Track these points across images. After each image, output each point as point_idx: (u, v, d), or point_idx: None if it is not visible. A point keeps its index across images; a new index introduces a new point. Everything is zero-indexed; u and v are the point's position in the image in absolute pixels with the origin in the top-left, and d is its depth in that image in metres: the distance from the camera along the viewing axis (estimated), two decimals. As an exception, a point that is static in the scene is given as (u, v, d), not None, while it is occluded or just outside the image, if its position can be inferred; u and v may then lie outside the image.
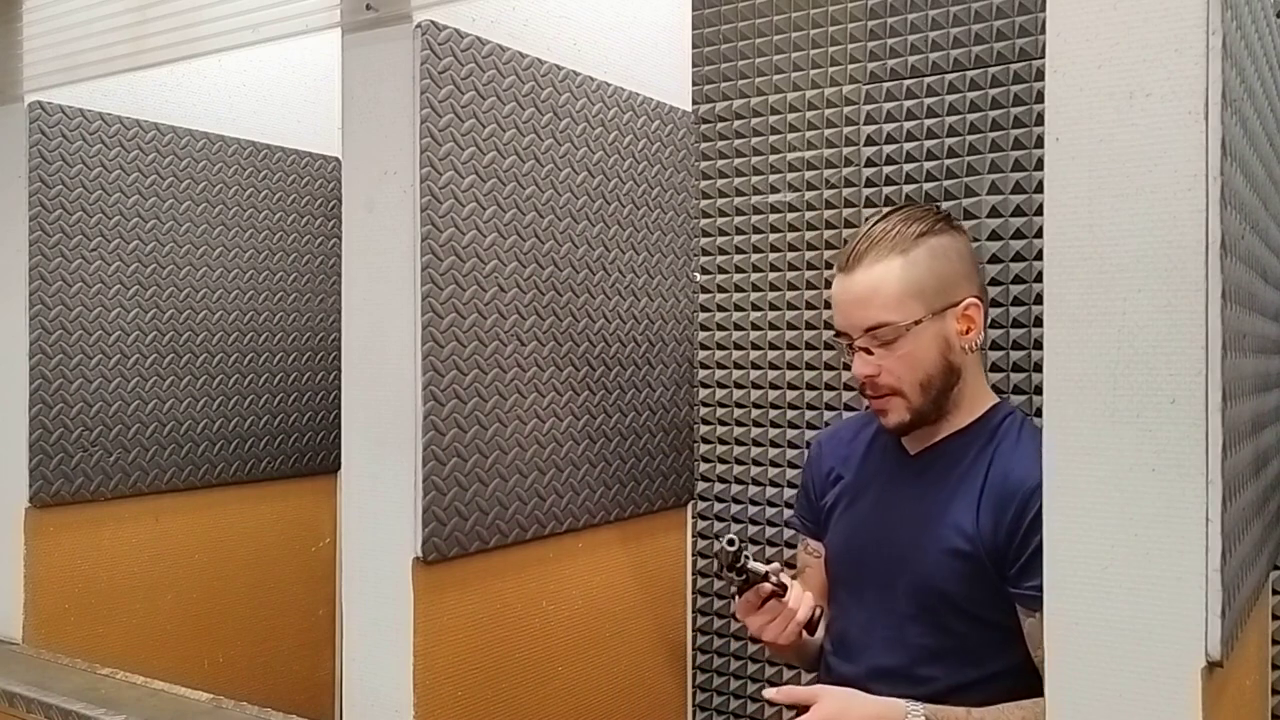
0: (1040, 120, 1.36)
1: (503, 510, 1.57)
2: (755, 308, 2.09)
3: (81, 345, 2.05)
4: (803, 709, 1.41)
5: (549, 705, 1.68)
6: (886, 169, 1.93)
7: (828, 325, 2.00)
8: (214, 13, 1.72)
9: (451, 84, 1.47)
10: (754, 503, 2.10)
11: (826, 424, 1.99)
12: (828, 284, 2.00)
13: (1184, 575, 0.88)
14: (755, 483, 2.10)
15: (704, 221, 2.13)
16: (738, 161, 2.10)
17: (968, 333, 1.44)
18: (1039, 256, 1.71)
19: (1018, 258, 1.80)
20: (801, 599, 1.49)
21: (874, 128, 1.94)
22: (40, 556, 2.00)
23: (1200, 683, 0.88)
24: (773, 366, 2.07)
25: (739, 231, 2.10)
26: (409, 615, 1.46)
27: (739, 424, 2.11)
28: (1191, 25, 0.88)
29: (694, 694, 2.12)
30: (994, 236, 1.81)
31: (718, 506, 2.14)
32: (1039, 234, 1.59)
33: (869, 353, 1.44)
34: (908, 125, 1.91)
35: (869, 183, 1.95)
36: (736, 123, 2.11)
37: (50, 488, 2.01)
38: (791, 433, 2.05)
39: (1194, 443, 0.88)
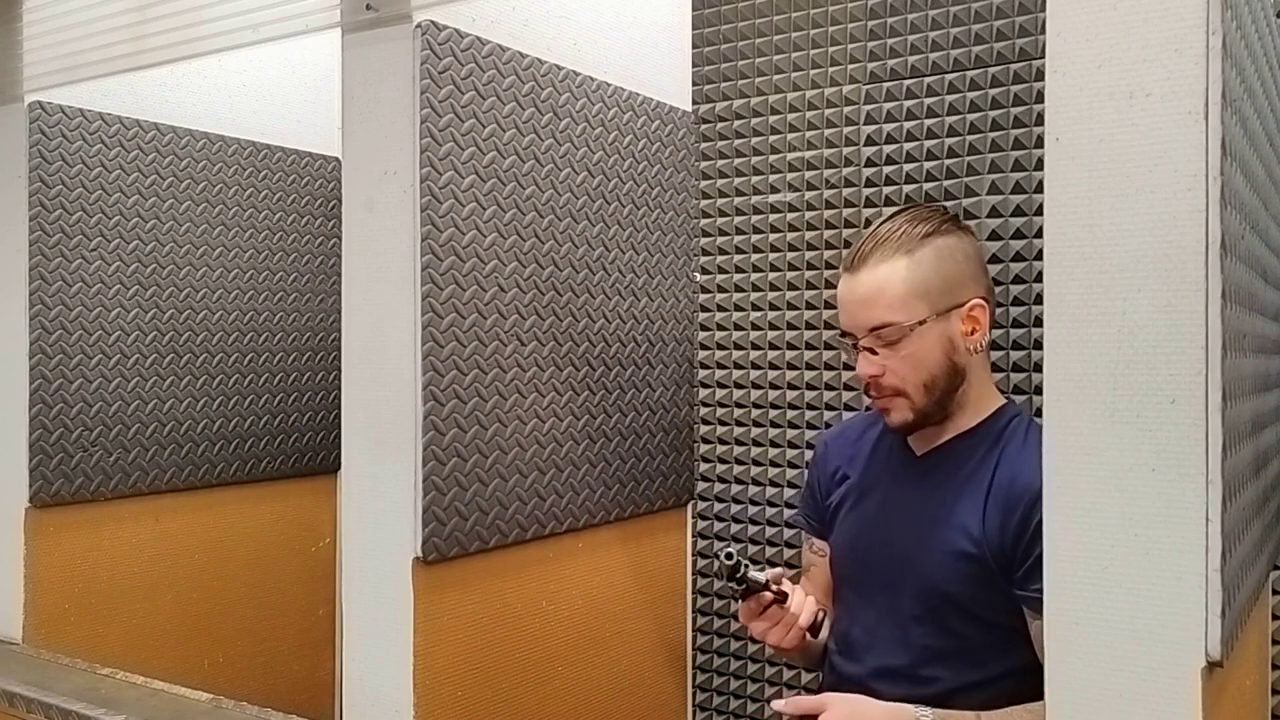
0: (1040, 120, 1.36)
1: (503, 510, 1.57)
2: (755, 308, 2.09)
3: (81, 345, 2.05)
4: (811, 718, 1.41)
5: (549, 705, 1.68)
6: (886, 169, 1.93)
7: (829, 325, 2.00)
8: (214, 13, 1.72)
9: (451, 84, 1.47)
10: (754, 503, 2.10)
11: (827, 424, 1.99)
12: (828, 284, 2.00)
13: (1184, 575, 0.88)
14: (755, 483, 2.10)
15: (704, 221, 2.13)
16: (738, 161, 2.10)
17: (973, 334, 1.44)
18: (1039, 256, 1.71)
19: (1018, 258, 1.80)
20: (803, 604, 1.49)
21: (874, 128, 1.94)
22: (40, 556, 2.00)
23: (1200, 683, 0.88)
24: (773, 366, 2.07)
25: (739, 231, 2.10)
26: (409, 615, 1.46)
27: (739, 424, 2.11)
28: (1191, 25, 0.88)
29: (694, 694, 2.12)
30: (994, 236, 1.81)
31: (718, 506, 2.14)
32: (1039, 234, 1.59)
33: (873, 353, 1.43)
34: (908, 125, 1.91)
35: (869, 183, 1.95)
36: (736, 123, 2.11)
37: (50, 488, 2.01)
38: (791, 433, 2.05)
39: (1194, 443, 0.88)
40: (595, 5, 1.75)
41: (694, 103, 2.06)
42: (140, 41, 1.83)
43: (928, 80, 1.89)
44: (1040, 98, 1.73)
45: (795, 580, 1.64)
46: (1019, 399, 1.80)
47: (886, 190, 1.93)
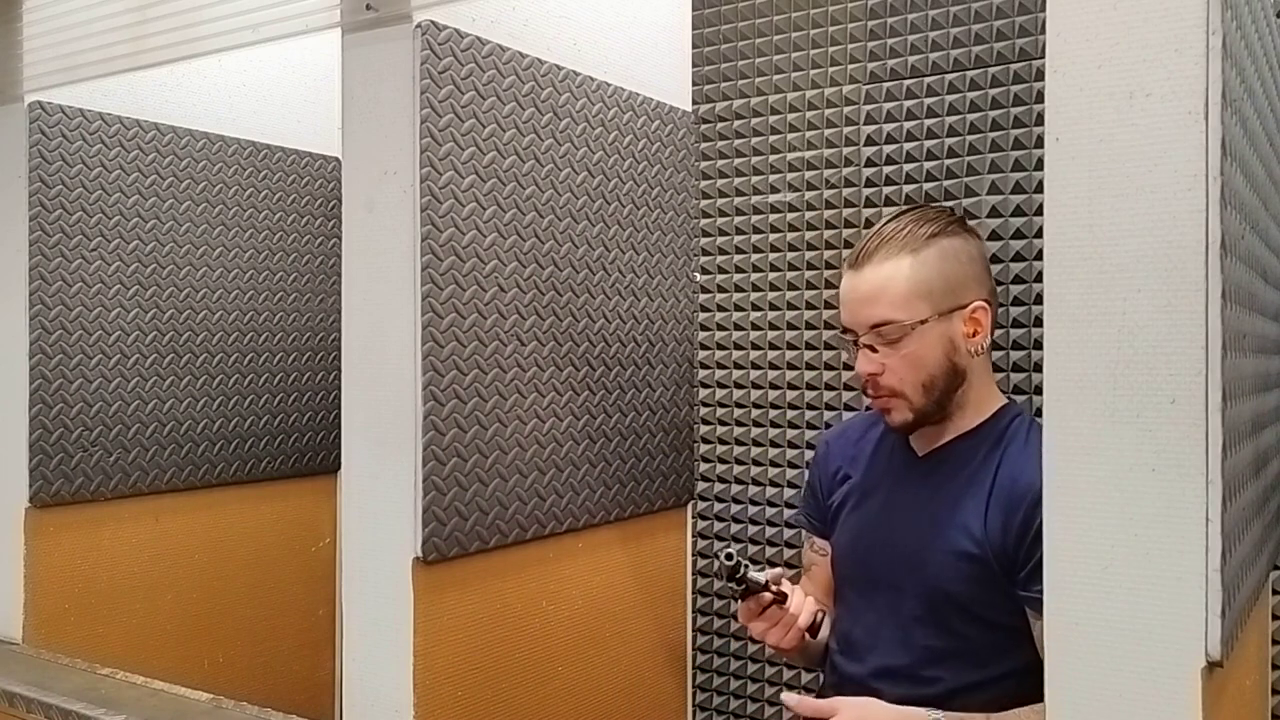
0: (1040, 120, 1.36)
1: (503, 510, 1.57)
2: (755, 308, 2.09)
3: (81, 345, 2.05)
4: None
5: (549, 705, 1.68)
6: (886, 169, 1.93)
7: (829, 325, 2.00)
8: (214, 13, 1.72)
9: (451, 84, 1.47)
10: (754, 503, 2.10)
11: (827, 424, 1.99)
12: (828, 284, 2.00)
13: (1184, 575, 0.88)
14: (755, 483, 2.10)
15: (704, 221, 2.13)
16: (738, 161, 2.10)
17: (974, 336, 1.44)
18: (1039, 256, 1.71)
19: (1018, 258, 1.80)
20: (803, 605, 1.49)
21: (874, 128, 1.94)
22: (40, 556, 2.00)
23: (1200, 683, 0.88)
24: (773, 366, 2.07)
25: (739, 231, 2.10)
26: (409, 615, 1.46)
27: (739, 424, 2.11)
28: (1191, 25, 0.88)
29: (694, 694, 2.12)
30: (994, 236, 1.81)
31: (718, 506, 2.14)
32: (1039, 234, 1.59)
33: (873, 350, 1.43)
34: (908, 125, 1.90)
35: (869, 183, 1.95)
36: (736, 123, 2.11)
37: (50, 488, 2.01)
38: (791, 433, 2.05)
39: (1194, 443, 0.88)
40: (595, 5, 1.75)
41: (694, 103, 2.06)
42: (140, 41, 1.83)
43: (928, 80, 1.89)
44: (1040, 98, 1.73)
45: (796, 580, 1.64)
46: (1019, 399, 1.80)
47: (886, 190, 1.93)
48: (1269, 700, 1.58)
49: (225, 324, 2.30)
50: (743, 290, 2.10)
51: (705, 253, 2.12)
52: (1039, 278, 1.76)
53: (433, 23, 1.45)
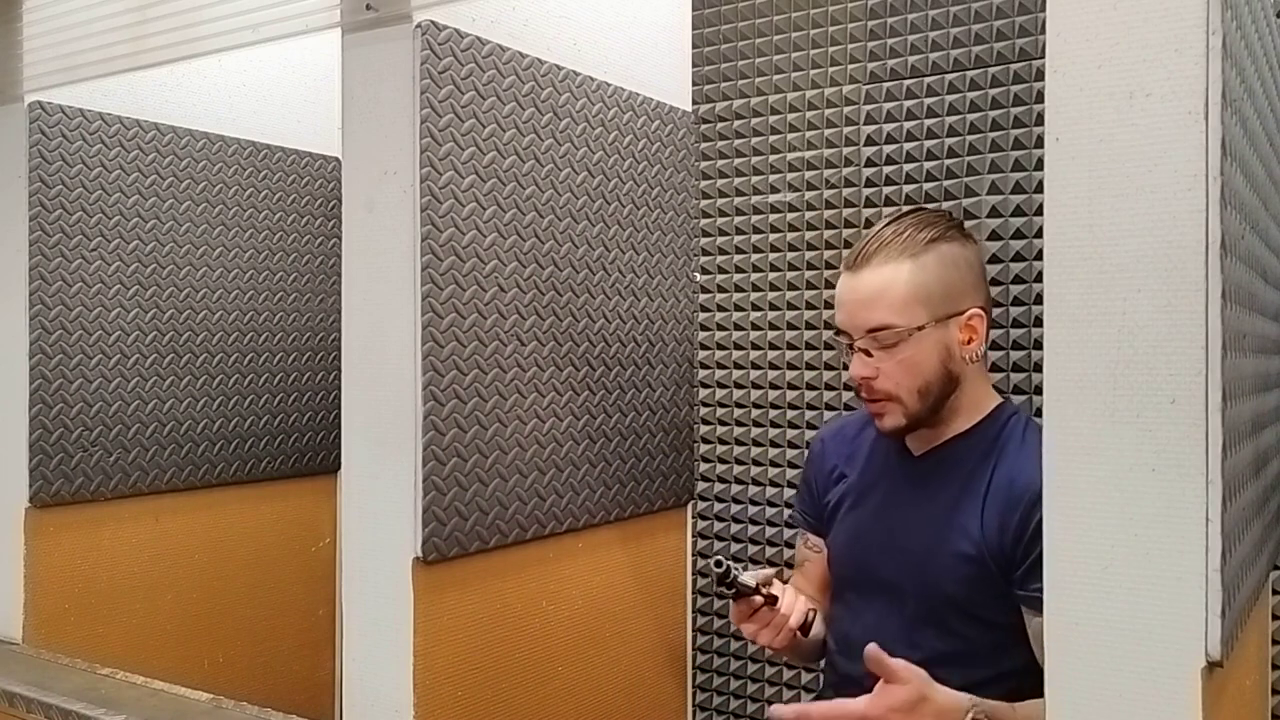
0: (1040, 120, 1.36)
1: (503, 510, 1.57)
2: (755, 308, 2.09)
3: (81, 345, 2.05)
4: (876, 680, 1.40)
5: (549, 705, 1.68)
6: (886, 169, 1.93)
7: (828, 325, 2.00)
8: (214, 13, 1.72)
9: (451, 84, 1.47)
10: (754, 503, 2.10)
11: (827, 424, 1.99)
12: (828, 284, 2.00)
13: (1184, 575, 0.88)
14: (755, 483, 2.10)
15: (704, 221, 2.13)
16: (738, 161, 2.11)
17: (969, 343, 1.44)
18: (1039, 256, 1.71)
19: (1018, 258, 1.80)
20: (794, 605, 1.48)
21: (874, 128, 1.94)
22: (40, 556, 2.00)
23: (1200, 683, 0.88)
24: (773, 366, 2.07)
25: (739, 231, 2.10)
26: (409, 615, 1.46)
27: (739, 424, 2.11)
28: (1191, 25, 0.88)
29: (694, 694, 2.13)
30: (994, 236, 1.81)
31: (718, 506, 2.14)
32: (1039, 234, 1.59)
33: (868, 354, 1.43)
34: (908, 125, 1.91)
35: (869, 183, 1.95)
36: (736, 123, 2.11)
37: (50, 488, 2.01)
38: (791, 433, 2.05)
39: (1194, 443, 0.88)
40: (595, 5, 1.75)
41: (694, 103, 2.06)
42: (140, 41, 1.83)
43: (928, 80, 1.89)
44: (1040, 98, 1.73)
45: (787, 578, 1.64)
46: (1019, 399, 1.80)
47: (886, 190, 1.93)
48: (1269, 700, 1.59)
49: (225, 324, 2.30)
50: (743, 290, 2.10)
51: (705, 253, 2.13)
52: (1039, 278, 1.76)
53: (433, 23, 1.45)
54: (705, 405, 2.15)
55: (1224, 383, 0.88)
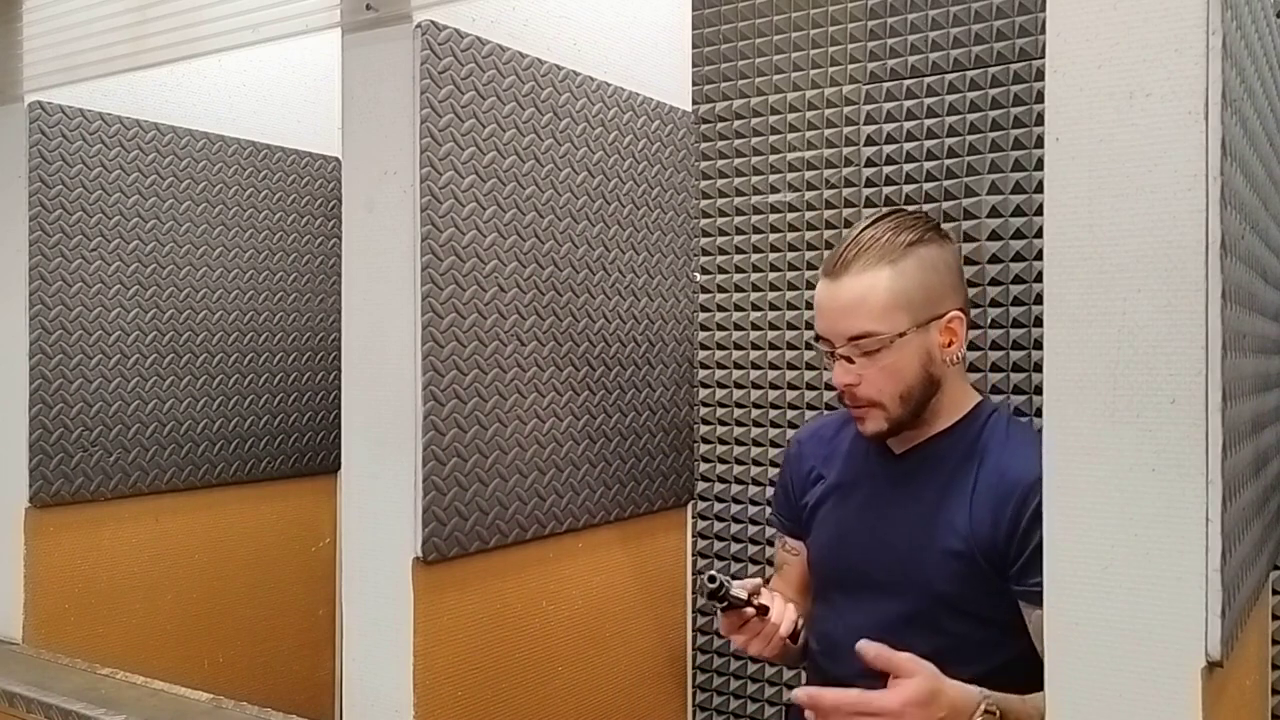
0: (1040, 120, 1.36)
1: (503, 510, 1.57)
2: (755, 308, 2.09)
3: (81, 345, 2.05)
4: (886, 678, 1.39)
5: (549, 705, 1.68)
6: (886, 169, 1.93)
7: (827, 325, 2.00)
8: (214, 13, 1.72)
9: (451, 84, 1.47)
10: (754, 503, 2.10)
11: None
12: (828, 284, 2.00)
13: (1184, 575, 0.88)
14: (755, 483, 2.10)
15: (704, 221, 2.13)
16: (738, 161, 2.10)
17: (950, 345, 1.44)
18: (1039, 256, 1.71)
19: (1018, 258, 1.80)
20: (783, 614, 1.48)
21: (874, 128, 1.94)
22: (40, 556, 2.00)
23: (1200, 683, 0.88)
24: (773, 366, 2.07)
25: (739, 231, 2.10)
26: (409, 615, 1.46)
27: (739, 424, 2.11)
28: (1191, 25, 0.88)
29: (694, 694, 2.12)
30: (994, 236, 1.81)
31: (718, 506, 2.14)
32: (1039, 234, 1.59)
33: (850, 361, 1.42)
34: (908, 125, 1.91)
35: (869, 183, 1.95)
36: (736, 123, 2.11)
37: (50, 488, 2.01)
38: (791, 433, 2.05)
39: (1194, 443, 0.88)
40: (595, 5, 1.75)
41: (694, 103, 2.06)
42: (140, 41, 1.83)
43: (928, 80, 1.89)
44: (1040, 98, 1.73)
45: (768, 579, 1.64)
46: (1019, 399, 1.80)
47: (886, 190, 1.93)
48: (1269, 700, 1.58)
49: (225, 324, 2.30)
50: (743, 290, 2.10)
51: (705, 253, 2.12)
52: (1039, 278, 1.76)
53: (433, 23, 1.45)
54: (705, 405, 2.15)
55: (1224, 383, 0.88)
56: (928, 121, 1.89)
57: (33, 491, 1.98)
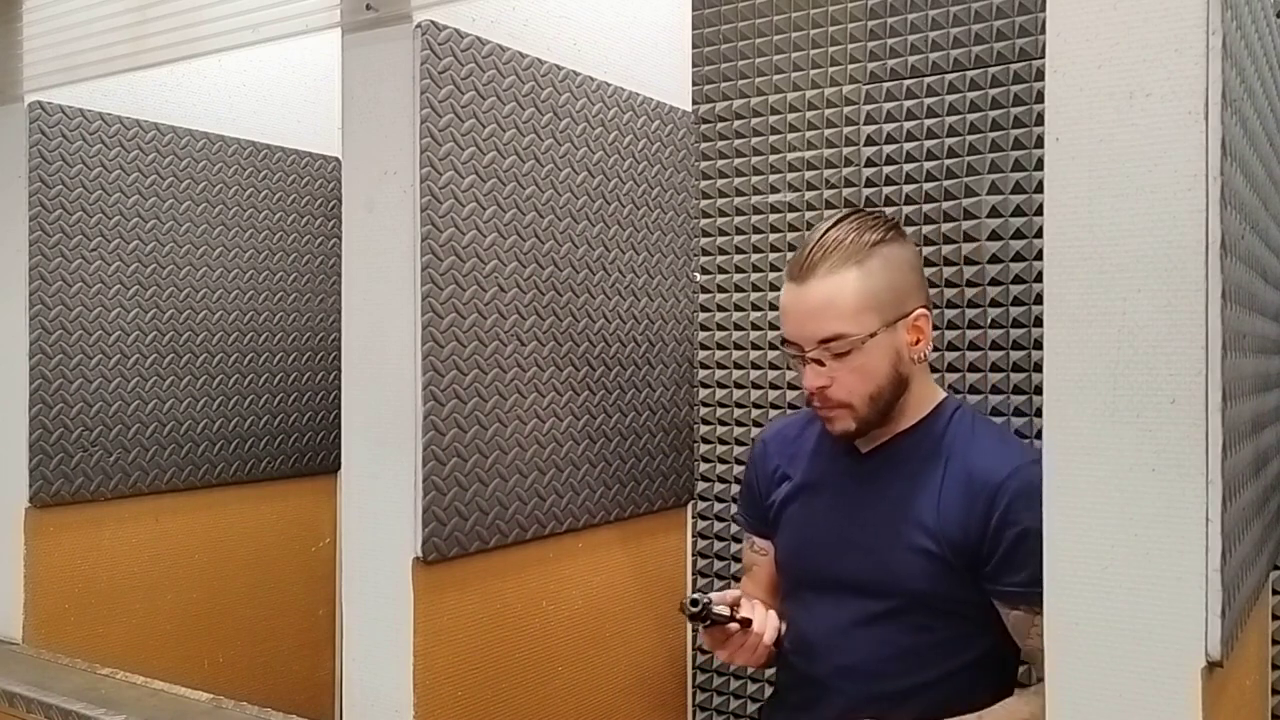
0: (1040, 120, 1.36)
1: (503, 510, 1.57)
2: (755, 308, 2.09)
3: (81, 345, 2.05)
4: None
5: (549, 705, 1.68)
6: (886, 169, 1.93)
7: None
8: (214, 13, 1.72)
9: (451, 84, 1.47)
10: (754, 503, 2.10)
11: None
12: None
13: (1184, 575, 0.88)
14: (755, 483, 2.10)
15: (704, 221, 2.13)
16: (738, 161, 2.11)
17: (917, 343, 1.44)
18: (1039, 256, 1.71)
19: (1018, 258, 1.80)
20: (765, 622, 1.48)
21: (874, 128, 1.94)
22: (40, 556, 2.00)
23: (1200, 683, 0.88)
24: (773, 366, 2.07)
25: (739, 231, 2.10)
26: (409, 615, 1.46)
27: (739, 424, 2.11)
28: (1191, 25, 0.89)
29: (694, 694, 2.13)
30: (994, 236, 1.81)
31: (718, 506, 2.14)
32: (1039, 234, 1.59)
33: (821, 364, 1.42)
34: (908, 125, 1.91)
35: (869, 183, 1.95)
36: (736, 123, 2.11)
37: (50, 488, 2.01)
38: (791, 433, 2.05)
39: (1194, 443, 0.88)
40: (595, 5, 1.75)
41: (694, 103, 2.06)
42: (140, 41, 1.83)
43: (928, 80, 1.89)
44: (1040, 98, 1.73)
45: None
46: (1019, 399, 1.80)
47: (886, 190, 1.93)
48: (1269, 700, 1.59)
49: (225, 324, 2.30)
50: (743, 290, 2.10)
51: (705, 253, 2.13)
52: (1039, 278, 1.76)
53: (433, 23, 1.45)
54: (705, 405, 2.15)
55: (1224, 383, 0.88)
56: (928, 121, 1.89)
57: (33, 491, 1.98)
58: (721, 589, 1.96)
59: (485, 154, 1.52)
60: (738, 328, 2.11)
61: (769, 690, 2.10)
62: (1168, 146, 0.89)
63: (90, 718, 1.61)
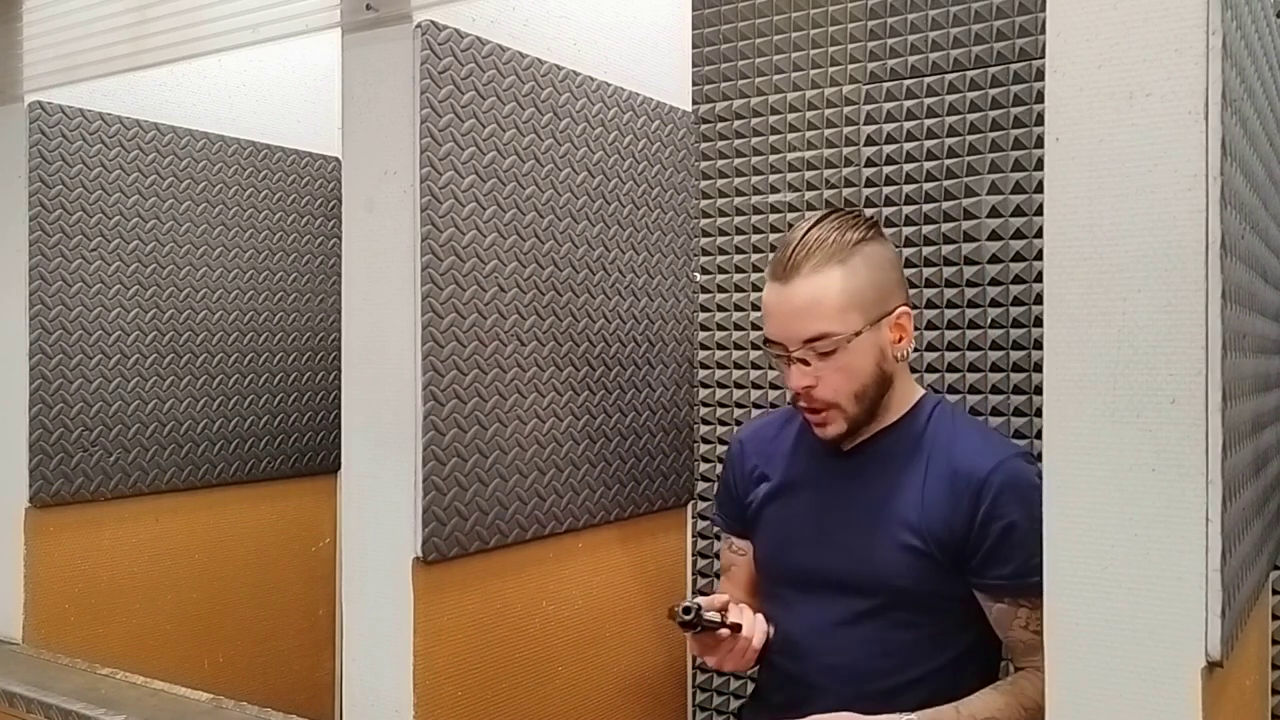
0: (1040, 120, 1.36)
1: (503, 510, 1.57)
2: (755, 308, 2.09)
3: (81, 345, 2.05)
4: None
5: (549, 705, 1.68)
6: (886, 169, 1.93)
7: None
8: (214, 13, 1.72)
9: (451, 84, 1.47)
10: (754, 503, 2.10)
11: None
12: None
13: (1184, 575, 0.88)
14: (755, 483, 2.10)
15: (704, 221, 2.13)
16: (738, 161, 2.11)
17: (900, 341, 1.44)
18: (1039, 256, 1.71)
19: (1018, 258, 1.80)
20: (754, 626, 1.48)
21: (874, 128, 1.94)
22: (40, 556, 2.00)
23: (1200, 683, 0.88)
24: (773, 366, 2.07)
25: (739, 231, 2.11)
26: (409, 615, 1.46)
27: (739, 424, 2.11)
28: (1191, 25, 0.89)
29: (694, 694, 2.13)
30: (994, 236, 1.81)
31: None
32: (1039, 234, 1.59)
33: (806, 364, 1.42)
34: (908, 125, 1.91)
35: (869, 183, 1.95)
36: (736, 123, 2.11)
37: (50, 488, 2.01)
38: (791, 433, 2.05)
39: (1194, 443, 0.88)
40: (595, 5, 1.75)
41: (694, 103, 2.06)
42: (140, 41, 1.83)
43: (928, 80, 1.89)
44: (1040, 98, 1.73)
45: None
46: (1018, 399, 1.80)
47: (886, 190, 1.93)
48: (1269, 700, 1.59)
49: (225, 324, 2.30)
50: (743, 290, 2.10)
51: (705, 253, 2.13)
52: (1039, 278, 1.76)
53: (433, 23, 1.45)
54: (705, 405, 2.15)
55: (1224, 383, 0.88)
56: (928, 121, 1.89)
57: (33, 491, 1.98)
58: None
59: (485, 154, 1.53)
60: (738, 328, 2.11)
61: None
62: (1168, 146, 0.89)
63: (90, 718, 1.61)
